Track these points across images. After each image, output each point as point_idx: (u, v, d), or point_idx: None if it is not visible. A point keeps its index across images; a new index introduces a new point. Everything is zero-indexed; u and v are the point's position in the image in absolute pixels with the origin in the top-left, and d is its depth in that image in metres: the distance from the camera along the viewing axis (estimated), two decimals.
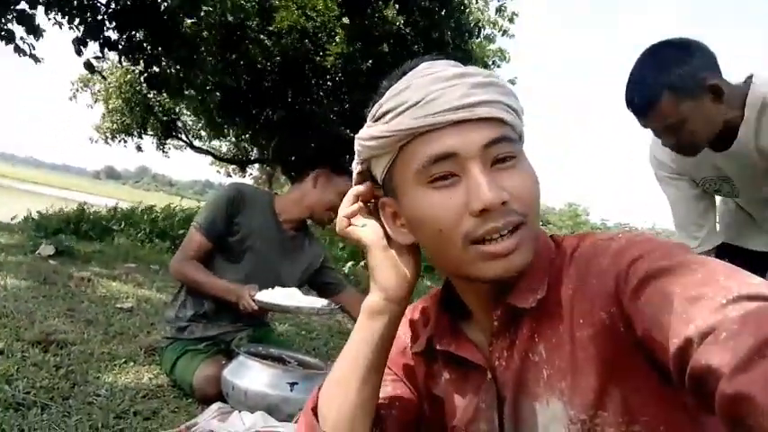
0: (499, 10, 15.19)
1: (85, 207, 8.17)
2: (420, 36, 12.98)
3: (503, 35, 15.62)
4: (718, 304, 0.55)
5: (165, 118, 18.95)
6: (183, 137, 20.98)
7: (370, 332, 0.84)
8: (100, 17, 7.39)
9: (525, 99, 0.80)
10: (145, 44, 7.91)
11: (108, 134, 19.24)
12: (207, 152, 22.45)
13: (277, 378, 2.01)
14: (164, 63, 8.27)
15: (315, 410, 0.87)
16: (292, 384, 1.98)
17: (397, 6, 10.59)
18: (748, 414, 0.46)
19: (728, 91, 1.62)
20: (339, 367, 0.87)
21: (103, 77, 14.03)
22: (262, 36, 13.84)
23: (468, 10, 13.63)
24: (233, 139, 20.90)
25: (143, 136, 19.56)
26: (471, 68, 0.77)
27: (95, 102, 18.69)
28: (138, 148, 20.04)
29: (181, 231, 7.21)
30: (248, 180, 25.64)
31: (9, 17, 6.75)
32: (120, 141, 19.55)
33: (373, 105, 0.81)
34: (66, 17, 7.19)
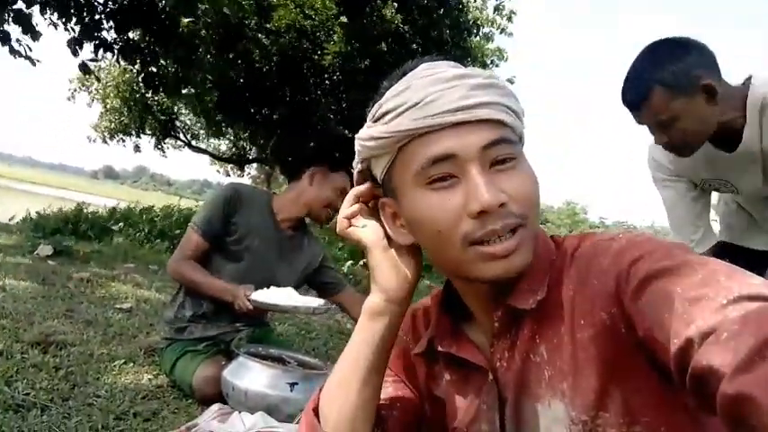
0: (497, 8, 15.19)
1: (83, 207, 8.15)
2: (418, 34, 12.98)
3: (500, 33, 15.63)
4: (719, 304, 0.55)
5: (163, 117, 18.96)
6: (182, 136, 20.99)
7: (371, 333, 0.84)
8: (97, 16, 7.37)
9: (524, 97, 0.80)
10: (142, 44, 7.91)
11: (106, 134, 19.25)
12: (205, 152, 22.44)
13: (277, 378, 2.00)
14: (161, 63, 8.26)
15: (316, 411, 0.87)
16: (292, 385, 1.98)
17: (395, 5, 10.60)
18: (750, 414, 0.46)
19: (725, 92, 1.62)
20: (340, 368, 0.87)
21: (98, 79, 14.00)
22: (260, 35, 13.83)
23: (466, 9, 13.63)
24: (231, 138, 20.90)
25: (141, 135, 19.57)
26: (471, 70, 0.77)
27: (93, 101, 18.67)
28: (137, 148, 20.05)
29: (179, 231, 7.21)
30: (246, 179, 25.65)
31: (6, 17, 6.72)
32: (118, 141, 19.55)
33: (373, 105, 0.81)
34: (63, 17, 7.17)
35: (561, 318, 0.74)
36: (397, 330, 0.87)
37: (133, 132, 19.21)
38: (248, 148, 20.95)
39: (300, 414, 0.95)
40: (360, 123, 0.84)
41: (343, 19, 12.82)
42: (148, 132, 19.57)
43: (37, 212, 7.62)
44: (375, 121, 0.79)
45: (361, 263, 6.70)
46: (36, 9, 6.89)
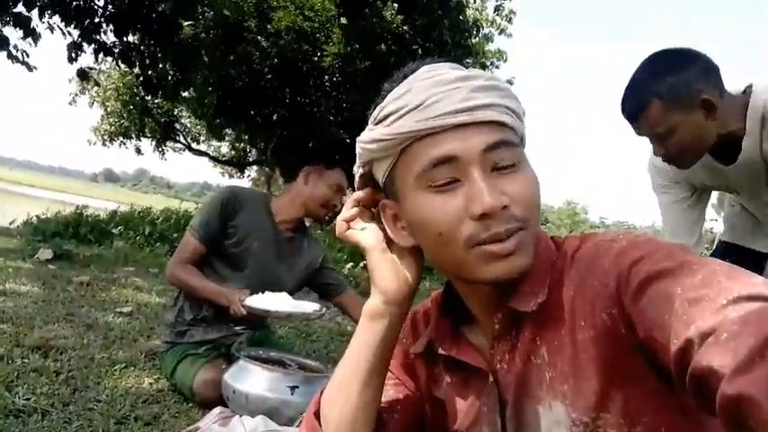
0: (497, 9, 15.21)
1: (83, 210, 8.15)
2: (419, 35, 12.99)
3: (500, 34, 15.65)
4: (719, 305, 0.54)
5: (163, 120, 18.98)
6: (182, 139, 21.00)
7: (372, 335, 0.84)
8: (97, 20, 7.37)
9: (524, 98, 0.80)
10: (141, 47, 7.91)
11: (106, 137, 19.24)
12: (205, 154, 22.46)
13: (277, 381, 2.00)
14: (160, 66, 8.26)
15: (317, 414, 0.88)
16: (293, 388, 1.98)
17: (396, 6, 10.60)
18: (749, 415, 0.45)
19: (726, 105, 1.60)
20: (341, 371, 0.87)
21: (97, 84, 14.02)
22: (260, 37, 13.85)
23: (465, 9, 13.65)
24: (231, 141, 20.93)
25: (141, 138, 19.57)
26: (473, 71, 0.77)
27: (93, 104, 18.68)
28: (138, 151, 20.06)
29: (179, 234, 7.19)
30: (246, 181, 25.65)
31: (7, 19, 6.72)
32: (118, 144, 19.55)
33: (374, 108, 0.81)
34: (63, 20, 7.18)
35: (562, 319, 0.74)
36: (398, 332, 0.87)
37: (133, 135, 19.22)
38: (248, 150, 20.98)
39: (301, 417, 0.95)
40: (360, 125, 0.84)
41: (343, 20, 12.83)
42: (149, 135, 19.58)
43: (37, 216, 7.62)
44: (377, 124, 0.79)
45: (361, 265, 6.70)
46: (35, 13, 6.89)
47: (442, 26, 12.48)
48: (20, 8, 6.77)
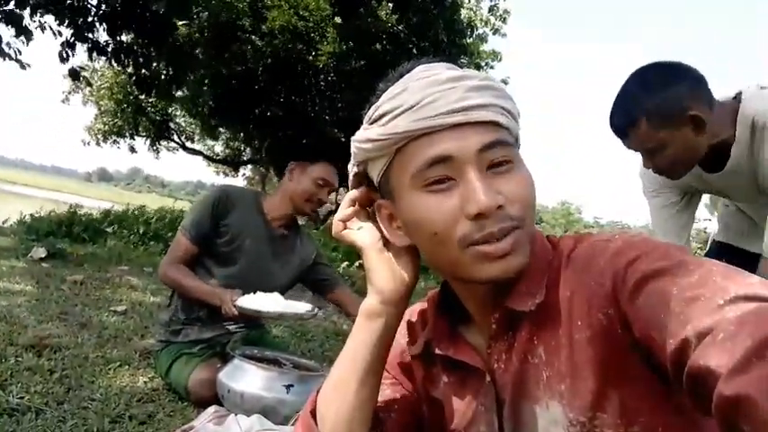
0: (491, 9, 15.23)
1: (77, 209, 8.12)
2: (414, 35, 12.99)
3: (494, 34, 15.66)
4: (716, 305, 0.55)
5: (157, 119, 18.92)
6: (176, 138, 20.94)
7: (368, 334, 0.84)
8: (90, 19, 7.35)
9: (518, 97, 0.80)
10: (135, 47, 7.89)
11: (100, 136, 19.17)
12: (199, 153, 22.41)
13: (273, 380, 2.00)
14: (154, 65, 8.24)
15: (313, 413, 0.87)
16: (288, 387, 1.98)
17: (390, 5, 10.61)
18: (746, 416, 0.46)
19: (715, 116, 1.60)
20: (337, 370, 0.87)
21: (89, 84, 13.96)
22: (254, 36, 13.82)
23: (460, 8, 13.66)
24: (226, 140, 20.88)
25: (135, 137, 19.52)
26: (468, 72, 0.77)
27: (86, 103, 18.61)
28: (132, 150, 19.99)
29: (173, 233, 7.17)
30: (241, 180, 25.62)
31: None
32: (112, 143, 19.48)
33: (370, 107, 0.81)
34: (57, 19, 7.14)
35: (558, 319, 0.74)
36: (395, 332, 0.87)
37: (127, 134, 19.16)
38: (243, 149, 20.94)
39: (296, 416, 0.95)
40: (355, 124, 0.84)
41: (338, 20, 12.83)
42: (143, 134, 19.53)
43: (30, 215, 7.57)
44: (372, 123, 0.79)
45: (356, 264, 6.69)
46: (27, 11, 6.85)
47: (437, 26, 12.50)
48: (12, 6, 6.74)
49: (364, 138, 0.79)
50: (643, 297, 0.64)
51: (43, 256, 4.93)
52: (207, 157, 23.08)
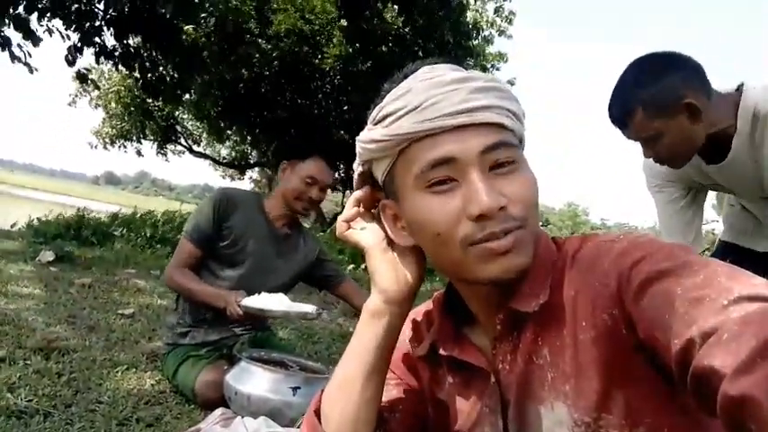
0: (497, 10, 15.22)
1: (85, 213, 8.16)
2: (419, 36, 13.00)
3: (500, 35, 15.66)
4: (720, 305, 0.54)
5: (164, 123, 19.00)
6: (183, 141, 21.03)
7: (372, 334, 0.85)
8: (97, 23, 7.39)
9: (523, 98, 0.80)
10: (142, 51, 7.92)
11: (107, 139, 19.28)
12: (206, 156, 22.48)
13: (279, 383, 2.00)
14: (161, 70, 8.27)
15: (317, 412, 0.87)
16: (295, 389, 1.98)
17: (396, 7, 10.62)
18: (751, 416, 0.45)
19: (713, 105, 1.60)
20: (341, 370, 0.87)
21: (97, 87, 14.04)
22: (260, 40, 13.87)
23: (466, 10, 13.66)
24: (233, 143, 20.94)
25: (142, 141, 19.61)
26: (472, 73, 0.77)
27: (96, 107, 18.72)
28: (138, 153, 20.09)
29: (177, 237, 7.19)
30: (247, 183, 25.68)
31: (6, 22, 6.72)
32: (119, 146, 19.58)
33: (374, 108, 0.81)
34: (65, 24, 7.18)
35: (563, 320, 0.74)
36: (398, 331, 0.87)
37: (134, 138, 19.26)
38: (249, 152, 21.00)
39: (302, 418, 0.95)
40: (361, 126, 0.84)
41: (343, 22, 12.85)
42: (150, 138, 19.62)
43: (38, 219, 7.62)
44: (376, 124, 0.80)
45: (362, 267, 6.69)
46: (35, 15, 6.89)
47: (443, 28, 12.50)
48: (20, 10, 6.78)
49: (368, 138, 0.80)
50: (647, 298, 0.63)
51: (51, 259, 4.95)
52: (214, 161, 23.16)
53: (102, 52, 7.57)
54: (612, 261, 0.71)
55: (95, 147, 19.79)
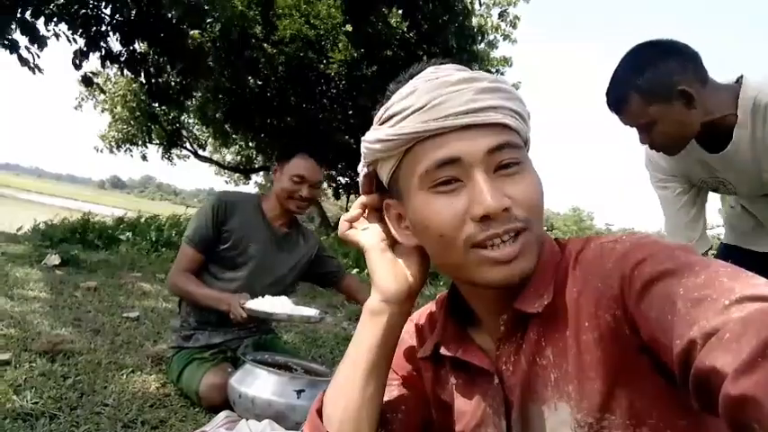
0: (502, 15, 15.23)
1: (90, 217, 8.19)
2: (424, 41, 13.01)
3: (504, 40, 15.66)
4: (722, 306, 0.54)
5: (170, 127, 19.06)
6: (188, 146, 21.08)
7: (372, 333, 0.85)
8: (104, 28, 7.42)
9: (527, 99, 0.80)
10: (148, 56, 7.95)
11: (113, 144, 19.34)
12: (211, 161, 22.53)
13: (283, 386, 2.01)
14: (167, 74, 8.29)
15: (319, 412, 0.88)
16: (299, 392, 1.98)
17: (401, 12, 10.63)
18: (752, 416, 0.46)
19: (708, 92, 1.62)
20: (342, 369, 0.87)
21: (102, 91, 14.08)
22: (266, 45, 13.90)
23: (470, 14, 13.66)
24: (238, 148, 20.98)
25: (148, 145, 19.67)
26: (477, 73, 0.77)
27: (102, 112, 18.79)
28: (144, 158, 20.14)
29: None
30: (252, 187, 25.71)
31: (12, 26, 6.75)
32: (125, 151, 19.65)
33: (380, 108, 0.82)
34: (71, 29, 7.21)
35: (566, 320, 0.74)
36: (398, 330, 0.87)
37: (140, 142, 19.32)
38: (255, 156, 21.03)
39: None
40: (366, 129, 0.85)
41: (348, 27, 12.88)
42: (155, 142, 19.68)
43: (44, 222, 7.64)
44: (381, 124, 0.80)
45: (366, 272, 6.68)
46: (41, 20, 6.92)
47: (448, 32, 12.50)
48: (27, 15, 6.81)
49: (374, 138, 0.80)
50: (650, 299, 0.64)
51: (57, 263, 4.98)
52: (219, 165, 23.20)
53: (108, 57, 7.60)
54: (615, 262, 0.71)
55: (101, 151, 19.87)
